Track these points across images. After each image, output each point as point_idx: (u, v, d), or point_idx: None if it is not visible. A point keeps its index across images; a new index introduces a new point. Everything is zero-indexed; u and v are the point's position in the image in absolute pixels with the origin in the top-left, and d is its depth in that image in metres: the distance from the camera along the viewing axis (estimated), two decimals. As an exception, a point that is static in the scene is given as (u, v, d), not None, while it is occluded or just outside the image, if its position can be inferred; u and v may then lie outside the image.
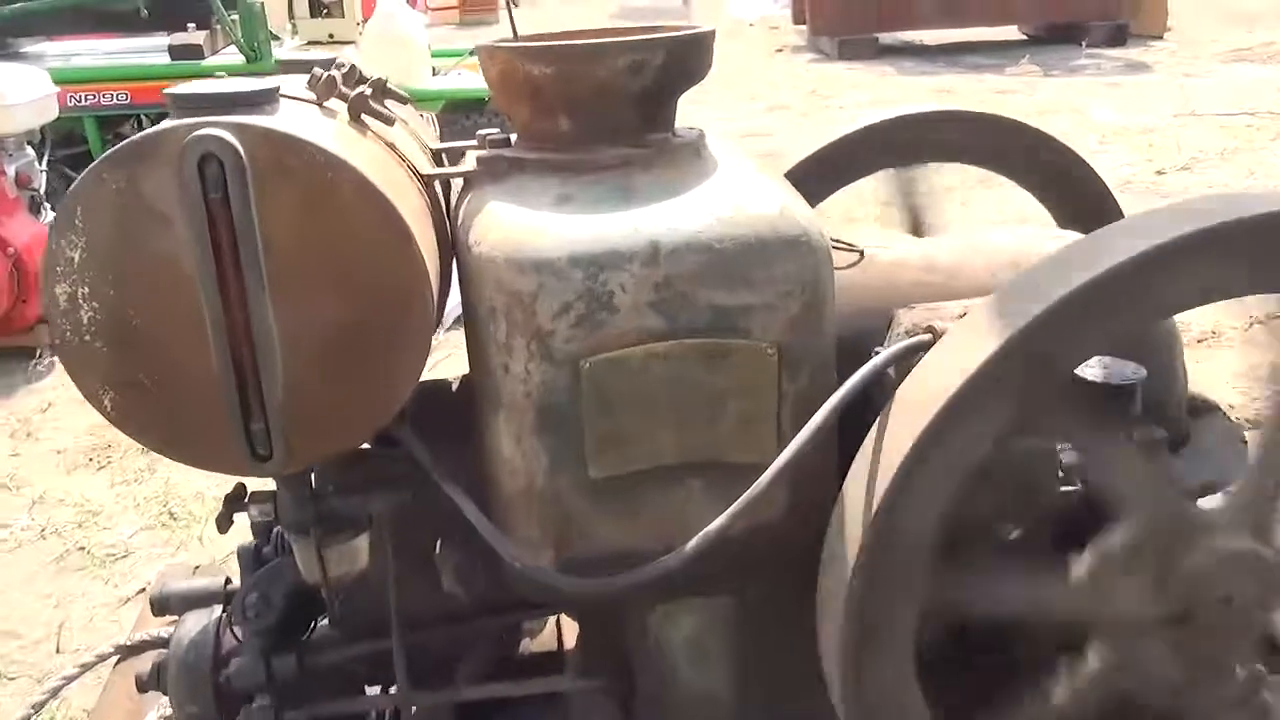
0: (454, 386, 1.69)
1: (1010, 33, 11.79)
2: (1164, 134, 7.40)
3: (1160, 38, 11.39)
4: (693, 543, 1.23)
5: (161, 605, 1.84)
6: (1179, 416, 1.63)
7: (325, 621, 1.69)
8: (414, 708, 1.67)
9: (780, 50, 12.18)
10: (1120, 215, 2.05)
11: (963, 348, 1.16)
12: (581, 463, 1.31)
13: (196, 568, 2.71)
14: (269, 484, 1.39)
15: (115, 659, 2.46)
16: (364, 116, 1.35)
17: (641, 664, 1.59)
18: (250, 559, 1.67)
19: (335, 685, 1.71)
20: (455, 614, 1.58)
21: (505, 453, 1.33)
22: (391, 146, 1.36)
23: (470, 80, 6.52)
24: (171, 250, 1.15)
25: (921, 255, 1.59)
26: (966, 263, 1.58)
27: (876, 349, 1.43)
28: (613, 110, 1.41)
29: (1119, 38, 11.12)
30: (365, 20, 7.10)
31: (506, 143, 1.49)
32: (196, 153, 1.11)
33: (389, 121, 1.36)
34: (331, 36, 7.32)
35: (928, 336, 1.27)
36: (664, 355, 1.27)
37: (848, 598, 1.23)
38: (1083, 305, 1.10)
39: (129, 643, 2.47)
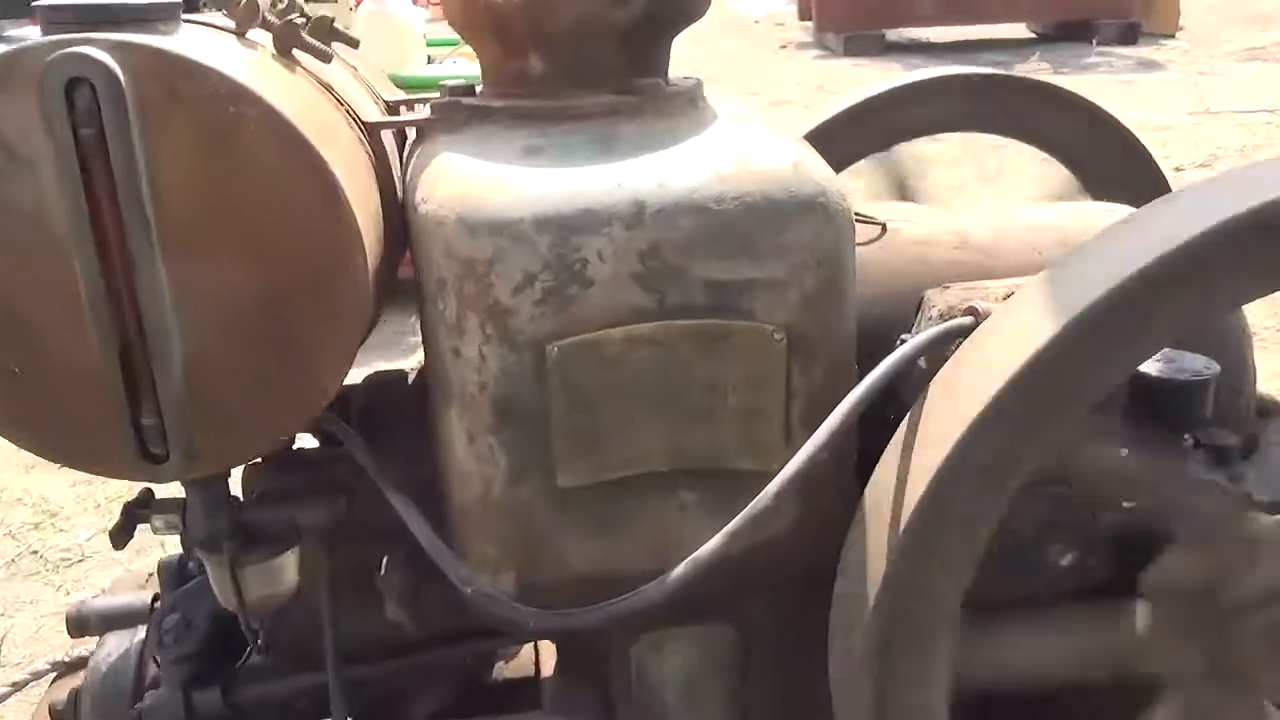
0: (412, 377, 1.47)
1: (1019, 30, 11.56)
2: (1180, 132, 7.18)
3: (1172, 36, 11.18)
4: (681, 568, 1.01)
5: (79, 625, 1.62)
6: (1247, 418, 1.40)
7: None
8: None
9: (785, 46, 11.95)
10: (1167, 187, 1.83)
11: (1015, 332, 0.93)
12: (548, 468, 1.09)
13: (150, 575, 2.49)
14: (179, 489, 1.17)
15: (52, 676, 2.24)
16: (295, 52, 1.13)
17: (625, 700, 1.36)
18: (173, 575, 1.45)
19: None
20: (405, 644, 1.35)
21: (458, 455, 1.10)
22: (327, 88, 1.13)
23: (467, 69, 6.30)
24: (36, 202, 0.93)
25: (952, 230, 1.37)
26: (1006, 239, 1.35)
27: (903, 335, 1.20)
28: (594, 48, 1.18)
29: (1130, 36, 10.91)
30: (358, 5, 6.89)
31: (471, 91, 1.27)
32: (62, 76, 0.88)
33: (325, 58, 1.13)
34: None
35: (968, 320, 1.05)
36: (649, 339, 1.05)
37: (870, 626, 1.01)
38: (1158, 284, 0.88)
39: (67, 659, 2.26)
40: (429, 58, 6.72)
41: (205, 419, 1.02)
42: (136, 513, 1.17)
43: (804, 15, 12.21)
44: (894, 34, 11.38)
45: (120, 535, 1.14)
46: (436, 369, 1.10)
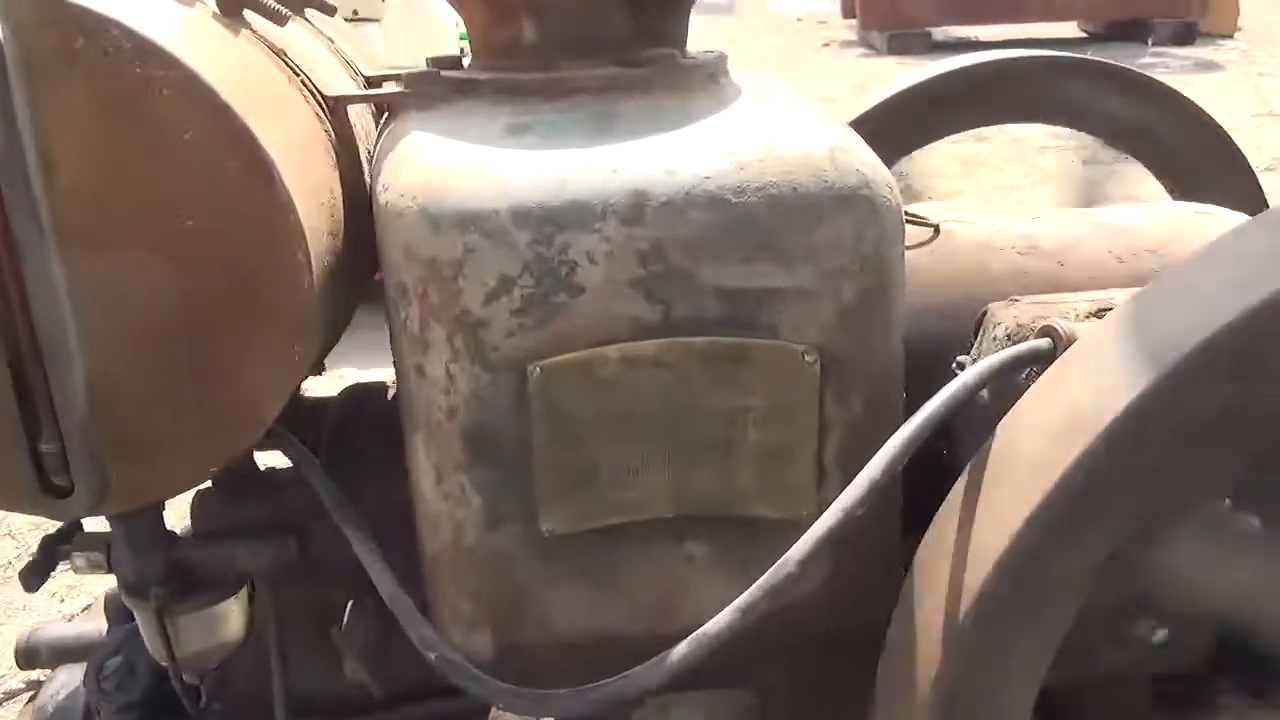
0: (394, 390, 1.29)
1: (1069, 30, 11.21)
2: (1243, 135, 6.83)
3: (1230, 36, 10.78)
4: (683, 647, 0.82)
5: (28, 656, 1.46)
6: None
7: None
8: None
9: (828, 45, 11.69)
10: (1258, 187, 1.62)
11: (1109, 367, 0.73)
12: (530, 511, 0.91)
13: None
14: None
15: (28, 696, 2.10)
16: (246, 14, 0.96)
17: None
18: (120, 611, 1.28)
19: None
20: (370, 703, 1.18)
21: (425, 494, 0.93)
22: (280, 54, 0.96)
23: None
24: (-97, 179, 0.76)
25: (1018, 234, 1.17)
26: (1081, 245, 1.15)
27: (959, 358, 1.01)
28: (596, 13, 1.00)
29: (1187, 36, 10.52)
30: (390, -3, 6.78)
31: (458, 63, 1.09)
32: (-76, 25, 0.72)
33: (279, 20, 0.96)
34: (356, 13, 6.99)
35: (1043, 343, 0.85)
36: (651, 360, 0.86)
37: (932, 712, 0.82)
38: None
39: (44, 678, 2.12)
40: (460, 50, 6.60)
41: (117, 446, 0.85)
42: (56, 549, 1.00)
43: (847, 13, 11.95)
44: (939, 33, 11.09)
45: (32, 575, 0.98)
46: (402, 390, 0.92)
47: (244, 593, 1.03)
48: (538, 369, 0.86)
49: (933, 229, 1.15)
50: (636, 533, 0.92)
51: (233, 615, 1.02)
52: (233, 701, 1.17)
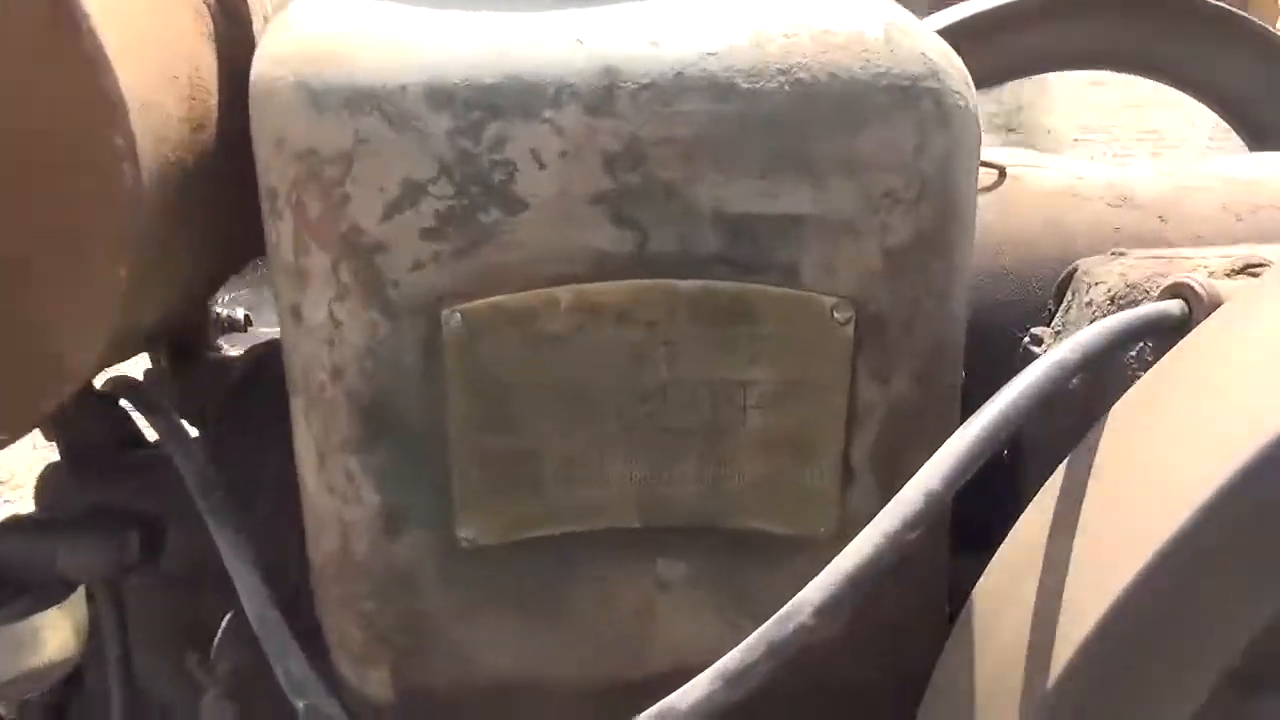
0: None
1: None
2: None
3: (1273, 27, 10.53)
4: (677, 699, 0.56)
5: None
6: None
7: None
8: None
9: None
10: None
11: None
12: (443, 513, 0.66)
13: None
14: None
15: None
16: None
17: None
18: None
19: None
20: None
21: (308, 484, 0.68)
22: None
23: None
24: None
25: (1105, 183, 0.91)
26: (1188, 198, 0.89)
27: (1032, 330, 0.76)
28: None
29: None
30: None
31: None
32: None
33: None
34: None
35: (1173, 305, 0.60)
36: (618, 310, 0.61)
37: None
38: None
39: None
40: None
41: None
42: None
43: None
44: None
45: None
46: (282, 344, 0.67)
47: (78, 600, 0.78)
48: (456, 315, 0.61)
49: (997, 171, 0.90)
50: (590, 547, 0.68)
51: (57, 630, 0.77)
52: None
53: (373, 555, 0.67)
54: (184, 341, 1.05)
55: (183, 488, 0.79)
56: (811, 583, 0.53)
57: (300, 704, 0.65)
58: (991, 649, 0.60)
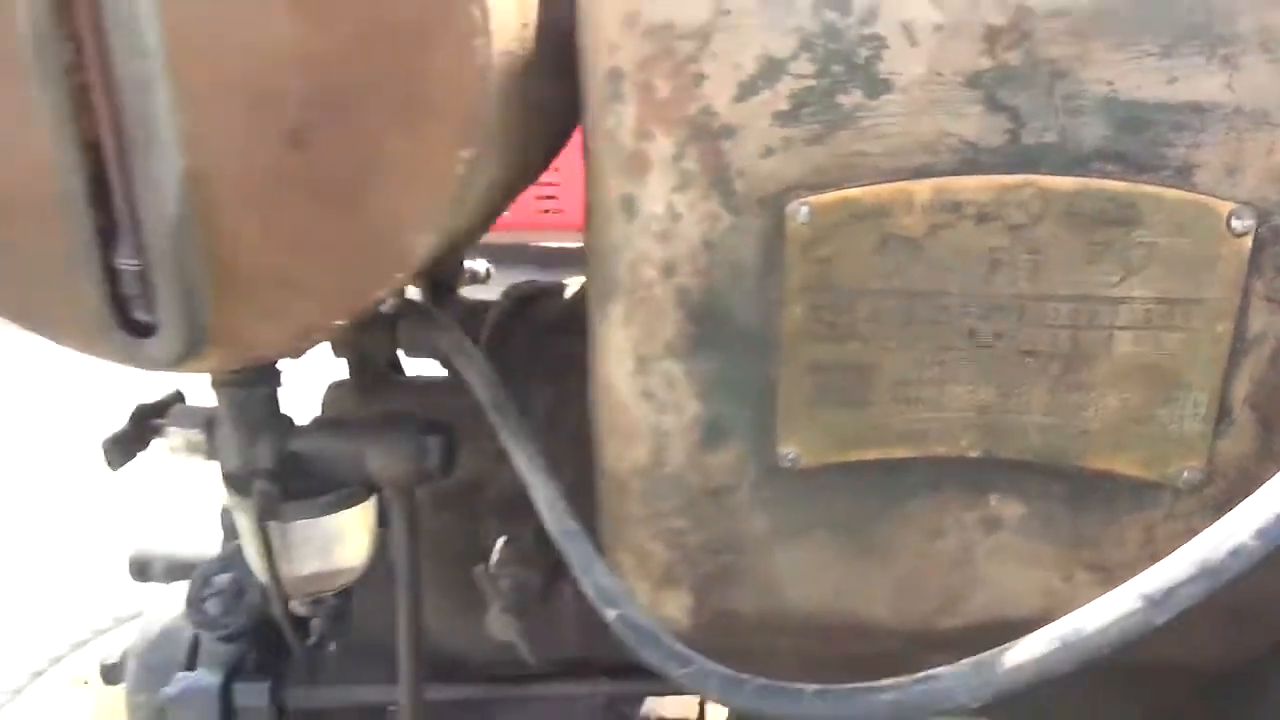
0: (570, 290, 1.04)
1: None
2: None
3: None
4: (1040, 644, 0.50)
5: (140, 568, 1.30)
6: None
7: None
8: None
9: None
10: None
11: None
12: (767, 428, 0.62)
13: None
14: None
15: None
16: None
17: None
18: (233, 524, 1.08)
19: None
20: (516, 666, 0.93)
21: (616, 389, 0.66)
22: None
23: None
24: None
25: None
26: None
27: None
28: None
29: None
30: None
31: None
32: None
33: None
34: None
35: None
36: (983, 208, 0.56)
37: None
38: None
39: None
40: None
41: (215, 275, 0.62)
42: (148, 422, 0.79)
43: None
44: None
45: (116, 449, 0.77)
46: (592, 243, 0.65)
47: (371, 507, 0.79)
48: (804, 209, 0.57)
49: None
50: (920, 476, 0.63)
51: (354, 532, 0.78)
52: (348, 650, 0.95)
53: (687, 468, 0.64)
54: (440, 279, 1.06)
55: (461, 409, 0.79)
56: (1243, 504, 0.46)
57: (611, 613, 0.62)
58: None
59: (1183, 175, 0.55)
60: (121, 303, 0.62)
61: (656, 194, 0.59)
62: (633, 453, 0.66)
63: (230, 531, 1.10)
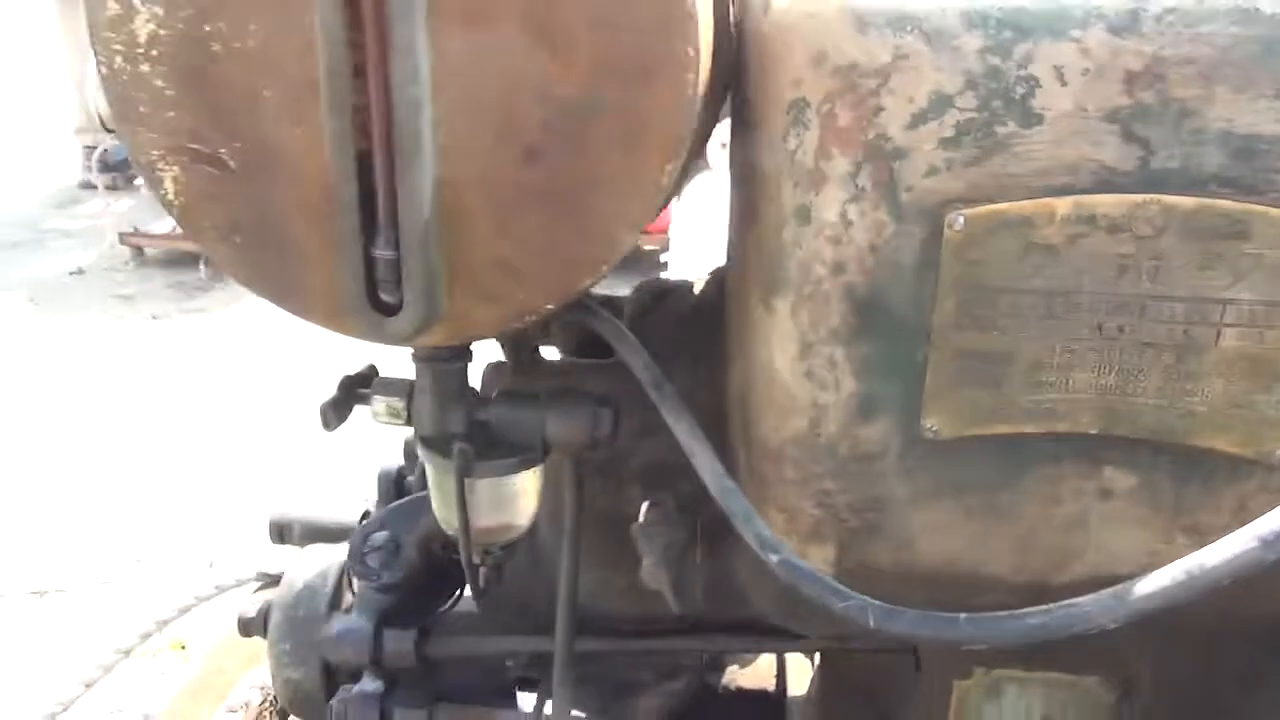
0: (698, 287, 1.15)
1: None
2: None
3: None
4: (1183, 572, 0.61)
5: (280, 531, 1.43)
6: None
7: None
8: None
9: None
10: None
11: None
12: (913, 404, 0.73)
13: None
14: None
15: (256, 586, 2.13)
16: None
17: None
18: (390, 488, 1.21)
19: (470, 682, 1.22)
20: (652, 621, 1.04)
21: (779, 369, 0.77)
22: None
23: None
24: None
25: None
26: None
27: None
28: None
29: None
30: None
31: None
32: None
33: None
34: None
35: None
36: (1114, 222, 0.67)
37: None
38: None
39: (274, 572, 2.14)
40: None
41: (453, 266, 0.73)
42: (355, 390, 0.91)
43: None
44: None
45: (333, 413, 0.89)
46: (762, 246, 0.77)
47: (539, 472, 0.91)
48: (960, 219, 0.68)
49: None
50: (1045, 449, 0.73)
51: (528, 491, 0.90)
52: (501, 593, 1.06)
53: (840, 438, 0.75)
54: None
55: (605, 389, 0.90)
56: None
57: (774, 558, 0.73)
58: None
59: (1286, 198, 0.65)
60: (374, 286, 0.73)
61: (831, 204, 0.70)
62: (791, 424, 0.77)
63: (387, 496, 1.22)
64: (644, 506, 0.97)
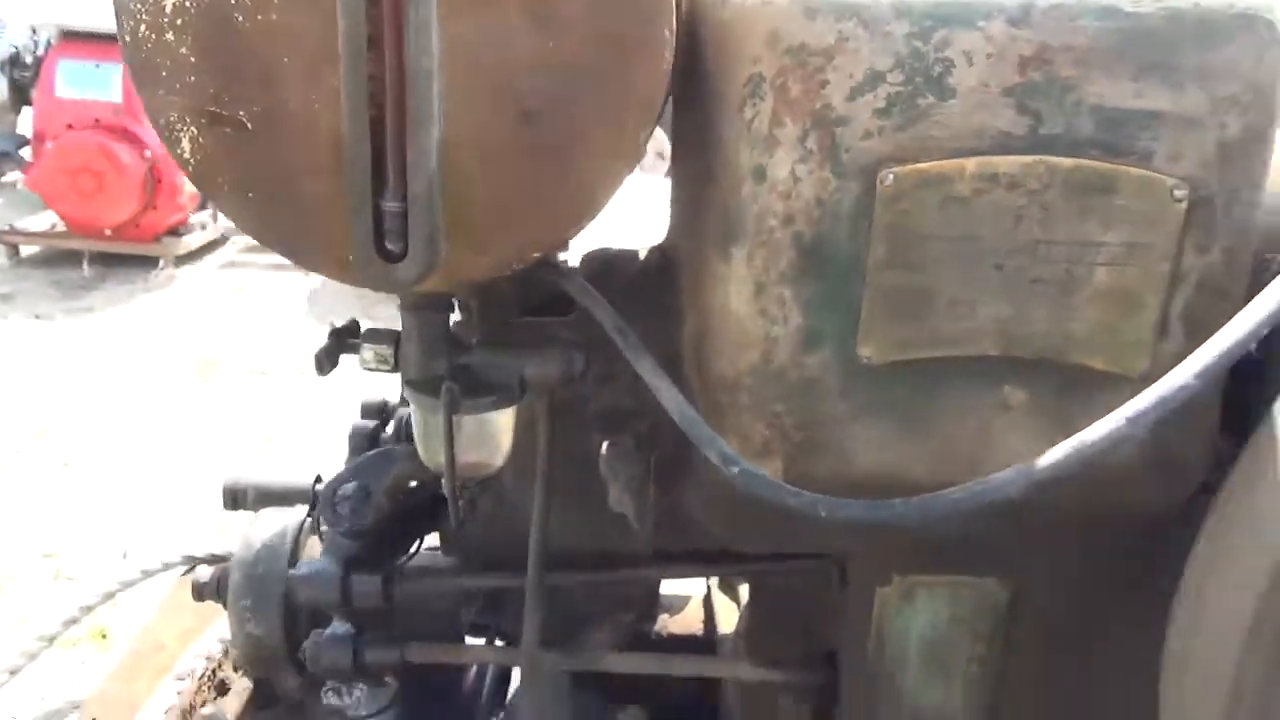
0: (642, 255, 1.27)
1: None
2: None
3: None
4: (1046, 461, 0.77)
5: (234, 497, 1.48)
6: None
7: (431, 543, 1.30)
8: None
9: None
10: None
11: None
12: (849, 335, 0.87)
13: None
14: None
15: (182, 570, 2.14)
16: None
17: (855, 652, 1.13)
18: (361, 443, 1.28)
19: (432, 625, 1.31)
20: (608, 555, 1.15)
21: (735, 310, 0.90)
22: None
23: None
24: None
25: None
26: None
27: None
28: None
29: None
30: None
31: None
32: None
33: None
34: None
35: None
36: (1010, 179, 0.82)
37: (1264, 612, 0.76)
38: None
39: (199, 555, 2.16)
40: None
41: (453, 218, 0.83)
42: (345, 340, 0.99)
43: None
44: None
45: (326, 359, 0.97)
46: (724, 201, 0.89)
47: (513, 416, 1.01)
48: (890, 176, 0.82)
49: None
50: (956, 370, 0.88)
51: (505, 430, 1.00)
52: (466, 538, 1.16)
53: (789, 366, 0.88)
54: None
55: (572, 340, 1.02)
56: (1130, 400, 0.73)
57: (735, 470, 0.85)
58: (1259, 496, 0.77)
59: (1144, 160, 0.81)
60: (380, 237, 0.83)
61: (783, 165, 0.83)
62: (746, 357, 0.90)
63: (359, 451, 1.29)
64: (604, 445, 1.08)
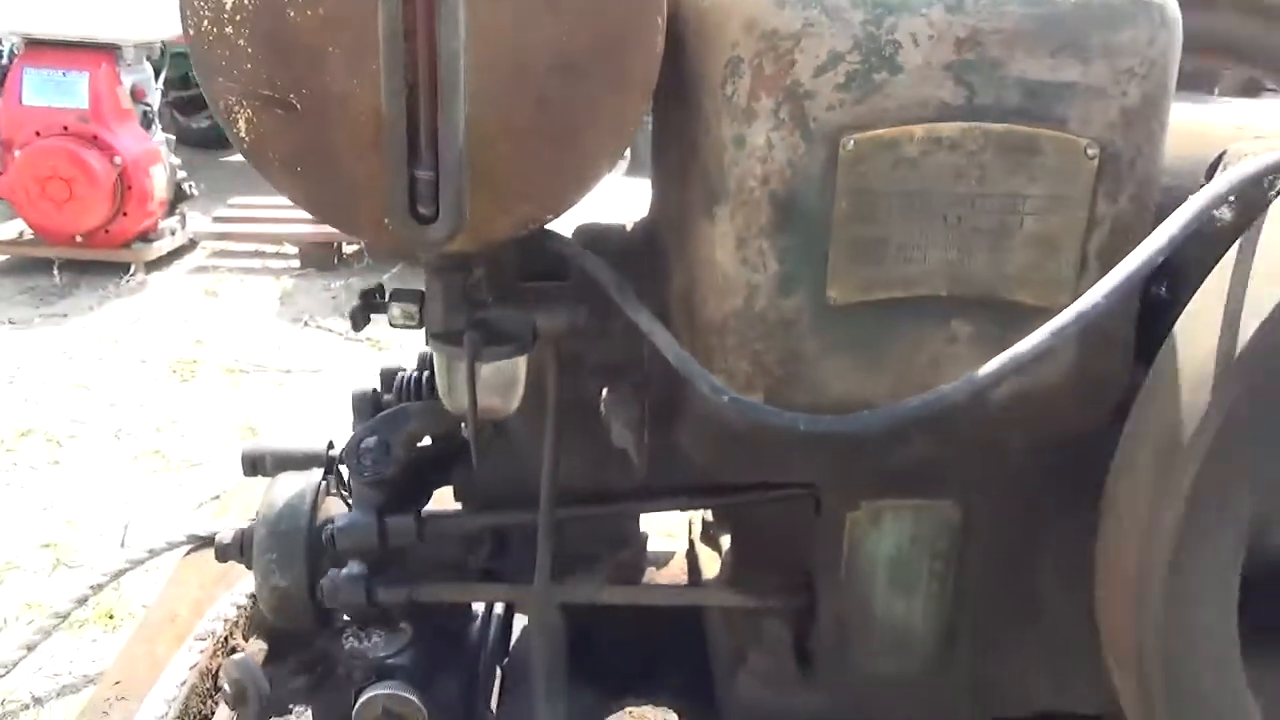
0: (628, 227, 1.41)
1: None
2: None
3: (1305, 83, 10.73)
4: (959, 385, 0.92)
5: (253, 463, 1.59)
6: None
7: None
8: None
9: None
10: None
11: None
12: (820, 280, 1.02)
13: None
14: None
15: (185, 550, 2.24)
16: None
17: (829, 575, 1.28)
18: (367, 407, 1.41)
19: (442, 568, 1.43)
20: (606, 491, 1.28)
21: (720, 262, 1.04)
22: None
23: None
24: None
25: (1227, 119, 1.26)
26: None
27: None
28: None
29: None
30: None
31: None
32: None
33: None
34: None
35: (1299, 152, 0.95)
36: (951, 142, 0.97)
37: (1159, 517, 0.92)
38: None
39: (204, 535, 2.26)
40: None
41: (477, 185, 0.96)
42: (375, 300, 1.12)
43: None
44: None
45: (359, 316, 1.10)
46: (707, 168, 1.03)
47: (525, 365, 1.15)
48: (851, 141, 0.97)
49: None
50: (911, 308, 1.03)
51: (520, 378, 1.13)
52: (478, 480, 1.29)
53: (768, 309, 1.03)
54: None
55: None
56: (1046, 324, 0.89)
57: (725, 399, 0.99)
58: (1161, 405, 0.93)
59: (1061, 124, 0.97)
60: (414, 202, 0.96)
61: (759, 133, 0.98)
62: (730, 302, 1.04)
63: (363, 414, 1.41)
64: (604, 391, 1.22)
